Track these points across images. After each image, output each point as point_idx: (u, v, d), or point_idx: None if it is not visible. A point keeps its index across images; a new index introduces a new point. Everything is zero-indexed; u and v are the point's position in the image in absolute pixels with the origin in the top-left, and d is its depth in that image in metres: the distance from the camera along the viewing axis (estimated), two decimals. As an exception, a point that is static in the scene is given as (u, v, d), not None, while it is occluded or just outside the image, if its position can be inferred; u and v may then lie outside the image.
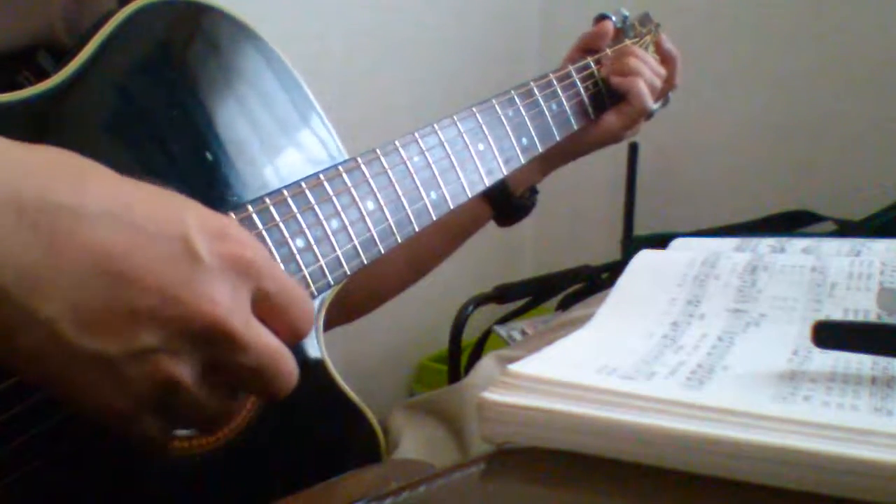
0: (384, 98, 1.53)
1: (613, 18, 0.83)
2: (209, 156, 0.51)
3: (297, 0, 1.37)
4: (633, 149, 1.55)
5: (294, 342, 0.40)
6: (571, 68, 0.76)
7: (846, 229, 1.27)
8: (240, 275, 0.37)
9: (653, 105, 0.80)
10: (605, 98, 0.79)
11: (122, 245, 0.34)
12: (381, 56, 1.55)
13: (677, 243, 0.60)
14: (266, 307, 0.38)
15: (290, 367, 0.39)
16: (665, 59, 0.84)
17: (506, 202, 0.80)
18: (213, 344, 0.36)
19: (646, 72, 0.79)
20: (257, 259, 0.38)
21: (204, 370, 0.37)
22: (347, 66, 1.47)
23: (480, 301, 1.34)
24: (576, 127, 0.76)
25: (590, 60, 0.79)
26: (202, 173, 0.51)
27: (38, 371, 0.35)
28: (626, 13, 0.84)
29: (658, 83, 0.81)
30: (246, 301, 0.37)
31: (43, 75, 0.48)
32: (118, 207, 0.35)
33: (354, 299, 0.68)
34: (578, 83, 0.76)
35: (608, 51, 0.81)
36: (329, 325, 0.58)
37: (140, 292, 0.34)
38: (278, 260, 0.49)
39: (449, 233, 0.80)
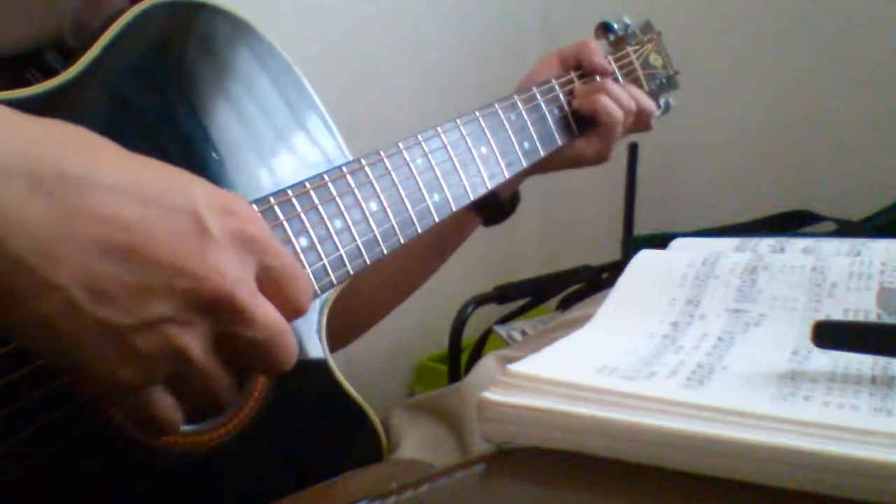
0: (384, 99, 1.53)
1: (615, 26, 0.83)
2: (214, 155, 0.52)
3: (297, 0, 1.37)
4: (633, 149, 1.55)
5: (295, 317, 0.41)
6: (573, 74, 0.77)
7: (846, 229, 1.27)
8: (246, 249, 0.38)
9: (620, 132, 0.77)
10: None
11: (134, 217, 0.35)
12: (380, 57, 1.55)
13: (677, 243, 0.60)
14: (269, 282, 0.39)
15: (291, 342, 0.40)
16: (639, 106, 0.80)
17: (496, 208, 0.79)
18: (220, 315, 0.37)
19: (615, 111, 0.76)
20: (262, 235, 0.39)
21: (211, 343, 0.38)
22: (347, 66, 1.47)
23: (480, 301, 1.34)
24: (577, 132, 0.76)
25: (573, 76, 0.77)
26: (207, 173, 0.51)
27: (49, 339, 0.35)
28: (628, 21, 0.84)
29: (629, 120, 0.78)
30: (251, 275, 0.38)
31: (51, 73, 0.49)
32: (127, 180, 0.36)
33: (341, 323, 0.63)
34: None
35: (577, 82, 0.78)
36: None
37: (151, 264, 0.35)
38: None
39: (437, 245, 0.79)
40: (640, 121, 0.81)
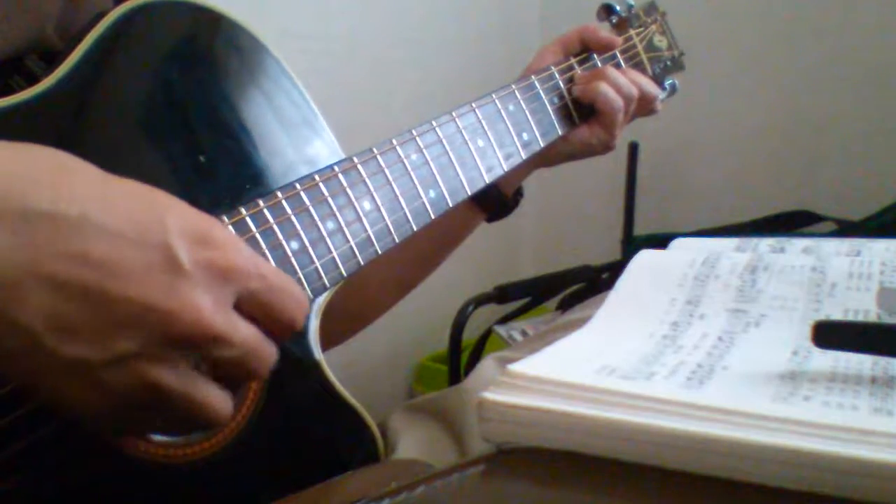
0: (384, 99, 1.53)
1: (618, 8, 0.81)
2: (202, 158, 0.51)
3: (297, 0, 1.37)
4: (633, 149, 1.55)
5: (289, 332, 0.41)
6: (573, 60, 0.75)
7: (846, 229, 1.27)
8: (222, 280, 0.37)
9: (622, 119, 0.76)
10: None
11: (103, 254, 0.34)
12: (380, 57, 1.55)
13: (677, 243, 0.60)
14: (255, 305, 0.39)
15: (269, 351, 0.40)
16: (640, 92, 0.78)
17: (499, 203, 0.78)
18: (195, 346, 0.37)
19: (615, 99, 0.74)
20: (238, 262, 0.38)
21: (190, 370, 0.37)
22: (348, 67, 1.47)
23: (480, 301, 1.34)
24: (578, 121, 0.74)
25: (593, 53, 0.77)
26: (195, 175, 0.50)
27: (20, 372, 0.35)
28: (632, 2, 0.83)
29: (632, 108, 0.77)
30: (228, 303, 0.38)
31: (33, 79, 0.48)
32: (98, 213, 0.35)
33: (341, 318, 0.63)
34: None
35: (578, 69, 0.76)
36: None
37: (120, 301, 0.34)
38: (272, 262, 0.48)
39: (439, 242, 0.78)
40: (644, 106, 0.79)
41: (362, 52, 1.50)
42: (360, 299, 0.73)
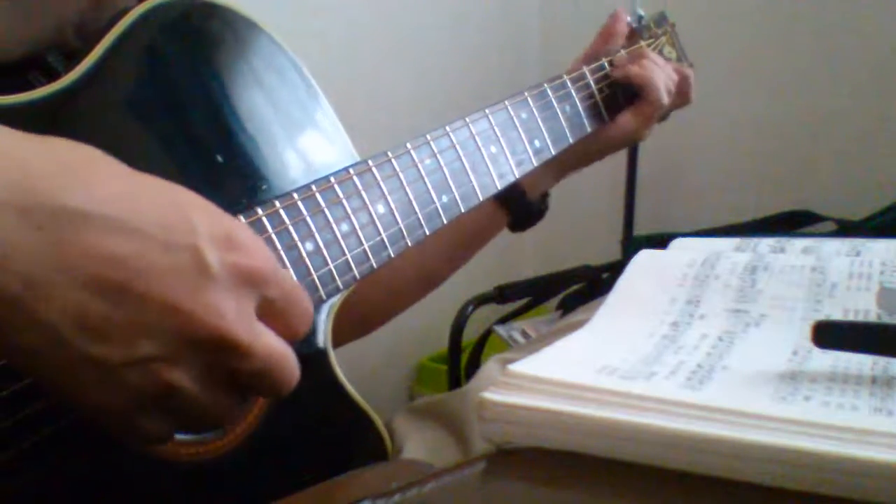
0: (384, 99, 1.53)
1: (629, 18, 0.82)
2: (220, 158, 0.51)
3: (297, 1, 1.37)
4: (633, 149, 1.55)
5: (292, 341, 0.40)
6: (585, 69, 0.75)
7: (846, 229, 1.27)
8: (248, 284, 0.37)
9: (667, 99, 0.78)
10: (620, 98, 0.77)
11: (130, 254, 0.34)
12: (380, 57, 1.55)
13: (677, 243, 0.60)
14: (269, 311, 0.38)
15: (292, 366, 0.39)
16: (679, 74, 0.83)
17: (523, 207, 0.78)
18: (216, 352, 0.36)
19: (659, 73, 0.77)
20: (264, 268, 0.38)
21: (206, 375, 0.37)
22: (347, 67, 1.47)
23: (480, 301, 1.34)
24: (589, 129, 0.75)
25: (604, 62, 0.77)
26: (213, 174, 0.51)
27: (38, 368, 0.35)
28: (642, 13, 0.83)
29: (671, 86, 0.79)
30: (251, 309, 0.37)
31: (53, 75, 0.48)
32: (126, 211, 0.34)
33: (364, 312, 0.63)
34: (592, 84, 0.75)
35: (623, 52, 0.79)
36: (340, 340, 0.56)
37: (145, 302, 0.34)
38: (287, 263, 0.48)
39: (463, 240, 0.78)
40: (682, 87, 0.82)
41: (361, 53, 1.51)
42: (385, 290, 0.73)
